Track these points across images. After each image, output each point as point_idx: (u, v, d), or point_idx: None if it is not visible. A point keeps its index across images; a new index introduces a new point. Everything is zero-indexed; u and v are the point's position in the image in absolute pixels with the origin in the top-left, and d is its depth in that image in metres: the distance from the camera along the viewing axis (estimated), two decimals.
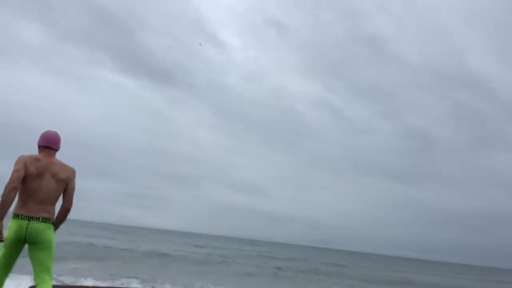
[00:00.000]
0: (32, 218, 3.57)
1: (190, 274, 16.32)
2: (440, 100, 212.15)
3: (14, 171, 3.52)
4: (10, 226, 3.56)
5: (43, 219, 3.60)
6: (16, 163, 3.58)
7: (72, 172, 3.85)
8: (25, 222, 3.54)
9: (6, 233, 3.54)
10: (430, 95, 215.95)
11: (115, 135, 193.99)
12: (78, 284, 11.90)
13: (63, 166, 3.81)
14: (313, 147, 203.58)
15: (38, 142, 3.86)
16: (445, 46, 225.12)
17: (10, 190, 3.45)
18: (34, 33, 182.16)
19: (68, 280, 10.70)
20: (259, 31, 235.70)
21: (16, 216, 3.58)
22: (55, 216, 3.76)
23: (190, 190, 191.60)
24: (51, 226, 3.69)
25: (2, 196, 3.44)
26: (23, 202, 3.59)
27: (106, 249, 25.04)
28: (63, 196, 3.80)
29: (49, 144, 3.83)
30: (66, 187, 3.78)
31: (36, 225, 3.56)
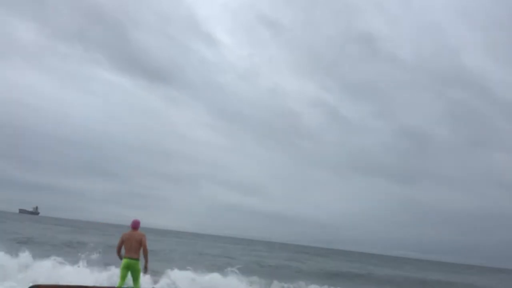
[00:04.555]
0: (130, 258, 8.66)
1: None
2: (436, 99, 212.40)
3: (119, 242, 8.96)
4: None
5: (134, 258, 8.72)
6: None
7: (142, 236, 8.75)
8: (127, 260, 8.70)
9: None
10: (425, 94, 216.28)
11: (111, 134, 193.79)
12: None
13: (138, 234, 8.80)
14: (308, 146, 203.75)
15: (130, 225, 9.02)
16: (440, 44, 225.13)
17: (117, 249, 8.97)
18: (28, 31, 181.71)
19: None
20: (252, 29, 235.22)
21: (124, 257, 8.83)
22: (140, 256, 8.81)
23: (187, 190, 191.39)
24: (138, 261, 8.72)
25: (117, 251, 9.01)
26: (126, 251, 8.80)
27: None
28: (142, 247, 8.73)
29: (132, 226, 9.00)
30: (141, 243, 8.70)
31: (131, 261, 8.68)
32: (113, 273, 11.76)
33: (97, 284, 11.34)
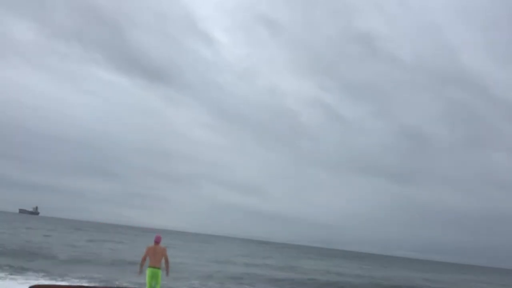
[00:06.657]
0: (154, 267, 10.49)
1: None
2: (435, 98, 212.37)
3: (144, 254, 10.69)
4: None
5: (157, 267, 10.54)
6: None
7: (164, 249, 10.67)
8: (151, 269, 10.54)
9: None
10: (425, 94, 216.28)
11: (111, 134, 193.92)
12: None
13: (160, 248, 10.66)
14: (308, 146, 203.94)
15: (154, 239, 10.80)
16: (439, 44, 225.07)
17: (142, 260, 10.76)
18: (28, 31, 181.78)
19: None
20: (250, 29, 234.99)
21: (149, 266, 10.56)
22: (162, 265, 10.59)
23: (187, 190, 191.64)
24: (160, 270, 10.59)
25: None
26: (150, 262, 10.56)
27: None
28: (164, 258, 10.62)
29: (155, 241, 10.72)
30: (163, 255, 10.59)
31: (155, 270, 10.54)
32: None
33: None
